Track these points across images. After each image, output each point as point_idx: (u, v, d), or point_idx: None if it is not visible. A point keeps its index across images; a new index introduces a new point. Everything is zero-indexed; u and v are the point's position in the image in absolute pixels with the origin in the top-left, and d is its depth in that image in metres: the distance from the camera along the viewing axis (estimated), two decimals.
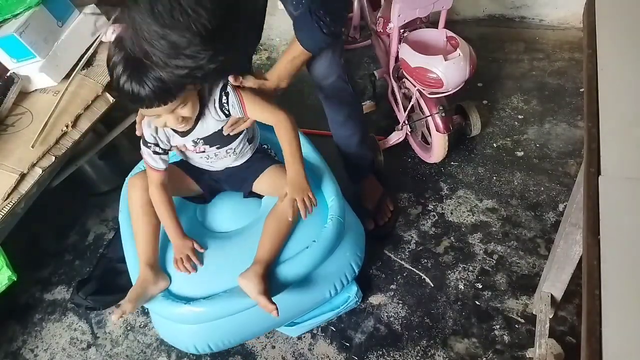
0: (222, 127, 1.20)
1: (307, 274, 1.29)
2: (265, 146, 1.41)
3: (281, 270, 1.25)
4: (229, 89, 1.14)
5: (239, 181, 1.37)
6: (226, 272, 1.26)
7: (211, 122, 1.18)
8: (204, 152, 1.25)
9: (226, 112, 1.16)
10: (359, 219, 1.54)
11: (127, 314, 1.18)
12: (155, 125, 1.15)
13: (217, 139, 1.23)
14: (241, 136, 1.27)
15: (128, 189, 1.30)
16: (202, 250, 1.27)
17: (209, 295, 1.23)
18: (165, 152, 1.21)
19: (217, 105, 1.15)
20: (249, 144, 1.32)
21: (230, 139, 1.24)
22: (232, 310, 1.25)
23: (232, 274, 1.24)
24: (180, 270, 1.25)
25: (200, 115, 1.16)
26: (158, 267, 1.26)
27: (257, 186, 1.35)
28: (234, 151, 1.29)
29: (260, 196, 1.39)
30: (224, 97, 1.14)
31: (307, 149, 1.45)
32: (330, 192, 1.36)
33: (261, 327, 1.43)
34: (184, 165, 1.35)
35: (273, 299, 1.17)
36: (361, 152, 1.70)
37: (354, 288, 1.50)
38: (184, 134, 1.19)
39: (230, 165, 1.34)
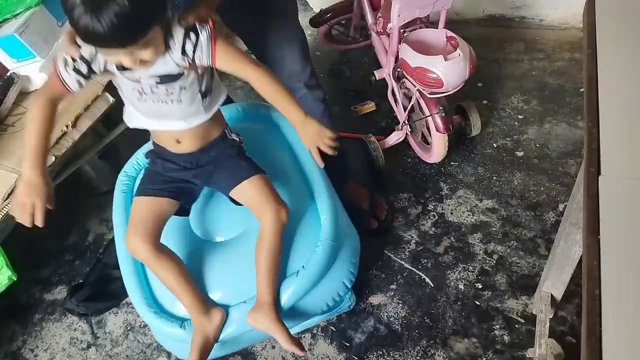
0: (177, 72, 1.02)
1: (296, 301, 1.24)
2: (237, 138, 1.25)
3: None
4: (200, 28, 0.98)
5: (209, 176, 1.23)
6: (221, 289, 1.24)
7: (163, 64, 1.00)
8: (138, 81, 1.03)
9: (189, 54, 0.99)
10: (355, 224, 1.48)
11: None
12: (107, 59, 0.99)
13: (166, 75, 1.03)
14: (191, 78, 1.04)
15: (132, 252, 1.17)
16: (50, 206, 1.03)
17: None
18: (89, 75, 1.02)
19: (177, 46, 0.98)
20: (202, 97, 1.09)
21: (175, 77, 1.03)
22: (225, 337, 1.22)
23: (227, 291, 1.23)
24: (16, 216, 1.02)
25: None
26: (206, 306, 1.19)
27: (236, 194, 1.22)
28: (177, 96, 1.05)
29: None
30: (191, 37, 0.98)
31: (306, 156, 1.40)
32: (323, 209, 1.28)
33: (258, 338, 1.42)
34: (148, 189, 1.21)
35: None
36: (341, 142, 1.68)
37: (348, 293, 1.48)
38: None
39: (189, 149, 1.18)
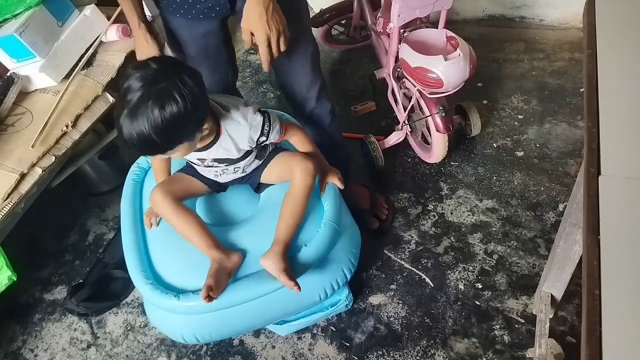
0: (244, 153, 1.22)
1: (297, 278, 1.25)
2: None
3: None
4: (272, 116, 1.19)
5: (246, 177, 1.36)
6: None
7: (224, 151, 1.17)
8: (211, 167, 1.24)
9: (265, 136, 1.18)
10: (356, 223, 1.50)
11: (213, 290, 1.13)
12: (173, 157, 1.16)
13: (227, 159, 1.21)
14: (252, 155, 1.26)
15: (153, 203, 1.27)
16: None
17: (198, 290, 1.21)
18: None
19: (256, 131, 1.16)
20: (259, 160, 1.31)
21: (240, 158, 1.23)
22: (220, 306, 1.23)
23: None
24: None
25: (216, 139, 1.14)
26: (223, 247, 1.23)
27: (266, 177, 1.34)
28: (242, 169, 1.28)
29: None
30: (267, 124, 1.17)
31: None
32: (326, 196, 1.34)
33: (249, 324, 1.42)
34: (190, 171, 1.33)
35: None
36: (346, 148, 1.71)
37: (345, 291, 1.49)
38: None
39: (237, 177, 1.33)
